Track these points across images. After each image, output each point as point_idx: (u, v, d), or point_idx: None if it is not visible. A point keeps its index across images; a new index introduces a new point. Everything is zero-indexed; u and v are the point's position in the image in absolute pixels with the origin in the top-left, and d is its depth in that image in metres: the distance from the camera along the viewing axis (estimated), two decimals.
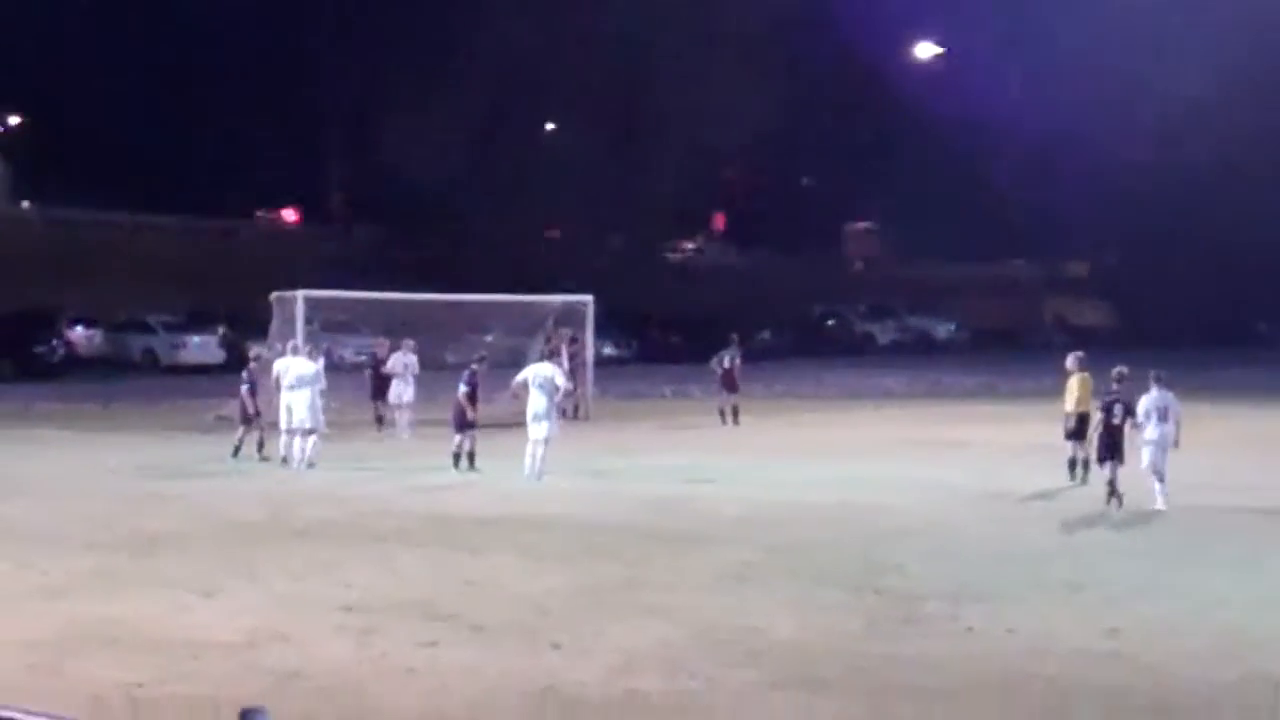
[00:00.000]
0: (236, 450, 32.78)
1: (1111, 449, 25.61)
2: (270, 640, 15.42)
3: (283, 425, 32.17)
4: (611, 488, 28.14)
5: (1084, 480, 27.92)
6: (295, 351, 33.72)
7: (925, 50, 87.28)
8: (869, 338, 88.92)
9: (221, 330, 67.16)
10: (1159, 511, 24.79)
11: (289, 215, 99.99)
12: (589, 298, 45.40)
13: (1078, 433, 28.42)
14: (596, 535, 22.40)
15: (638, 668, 14.36)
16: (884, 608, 17.26)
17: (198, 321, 68.87)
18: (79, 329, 68.16)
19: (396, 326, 41.82)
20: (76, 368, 62.27)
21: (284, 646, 15.19)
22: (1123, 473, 25.54)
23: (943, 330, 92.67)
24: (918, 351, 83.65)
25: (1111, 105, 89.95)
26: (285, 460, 31.84)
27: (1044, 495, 27.32)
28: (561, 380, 30.71)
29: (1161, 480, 25.14)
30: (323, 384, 32.91)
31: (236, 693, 12.80)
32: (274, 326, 43.58)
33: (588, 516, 24.34)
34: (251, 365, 34.04)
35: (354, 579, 18.72)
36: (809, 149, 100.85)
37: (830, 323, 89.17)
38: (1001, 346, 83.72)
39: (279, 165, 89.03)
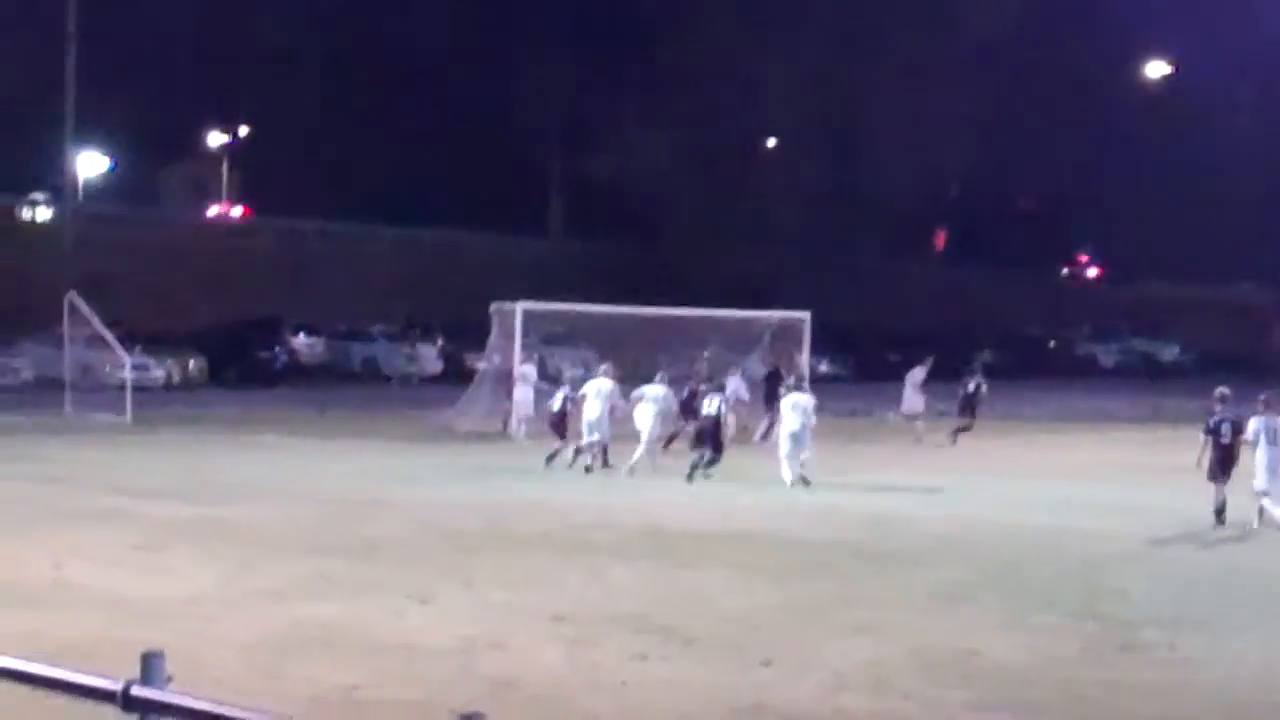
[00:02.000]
0: (551, 458, 34.05)
1: (1223, 468, 25.63)
2: (484, 648, 15.53)
3: (585, 438, 33.75)
4: (827, 505, 28.02)
5: None
6: (605, 373, 34.80)
7: (1156, 69, 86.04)
8: (1091, 359, 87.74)
9: (440, 341, 67.96)
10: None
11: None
12: (806, 314, 45.14)
13: None
14: (811, 552, 22.32)
15: (848, 686, 14.27)
16: (1101, 633, 16.99)
17: (418, 331, 69.75)
18: (301, 337, 69.31)
19: (611, 340, 42.12)
20: (298, 375, 63.31)
21: (498, 654, 15.29)
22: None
23: (1167, 353, 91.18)
24: (1142, 374, 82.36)
25: None
26: (588, 469, 33.37)
27: (1270, 523, 26.72)
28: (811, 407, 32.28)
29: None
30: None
31: (451, 698, 12.92)
32: (492, 338, 44.10)
33: (802, 533, 24.26)
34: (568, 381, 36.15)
35: (567, 590, 18.81)
36: (1029, 168, 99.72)
37: (1052, 344, 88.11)
38: (1228, 371, 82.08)
39: (498, 179, 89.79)
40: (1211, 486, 25.98)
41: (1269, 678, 15.16)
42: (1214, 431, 25.95)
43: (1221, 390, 26.54)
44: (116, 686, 6.23)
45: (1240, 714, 13.92)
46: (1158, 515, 26.98)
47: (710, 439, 32.40)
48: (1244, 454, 26.16)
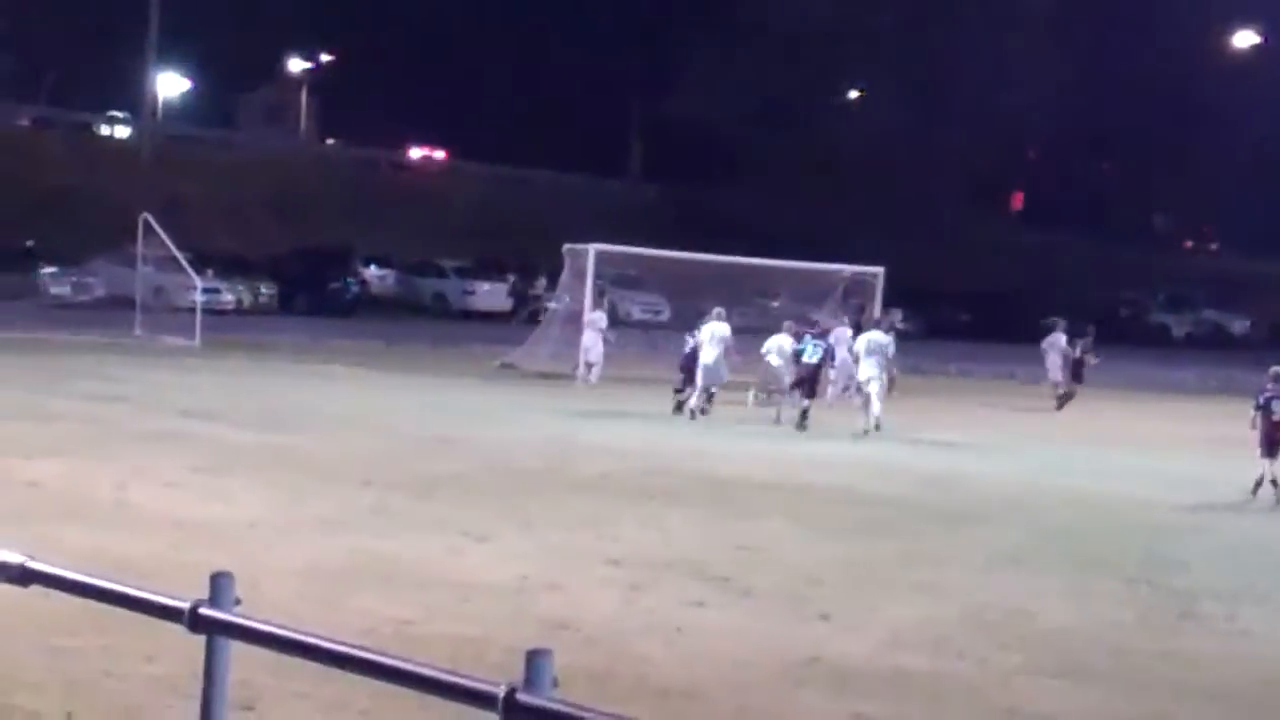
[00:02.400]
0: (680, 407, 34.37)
1: (1272, 445, 25.68)
2: (540, 589, 15.54)
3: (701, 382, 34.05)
4: (890, 461, 27.93)
5: None
6: (719, 317, 34.89)
7: (1245, 39, 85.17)
8: (1164, 329, 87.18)
9: (512, 279, 68.04)
10: None
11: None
12: (879, 269, 44.88)
13: None
14: (872, 508, 22.24)
15: (905, 644, 14.22)
16: (1159, 602, 16.88)
17: (488, 268, 69.83)
18: (372, 268, 69.52)
19: (683, 285, 42.05)
20: (368, 307, 63.52)
21: (553, 595, 15.30)
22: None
23: (1239, 325, 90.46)
24: (1213, 345, 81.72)
25: None
26: (694, 413, 33.63)
27: None
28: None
29: None
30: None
31: (505, 637, 12.93)
32: (564, 278, 44.10)
33: (865, 489, 24.18)
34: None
35: (624, 534, 18.80)
36: (1113, 133, 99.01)
37: (1124, 312, 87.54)
38: None
39: (572, 119, 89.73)
40: (1262, 461, 25.89)
41: None
42: (1264, 408, 26.03)
43: (1276, 369, 26.48)
44: (185, 605, 6.24)
45: None
46: (1222, 488, 26.77)
47: (807, 387, 33.10)
48: None
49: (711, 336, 34.21)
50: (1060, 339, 42.47)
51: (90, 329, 43.78)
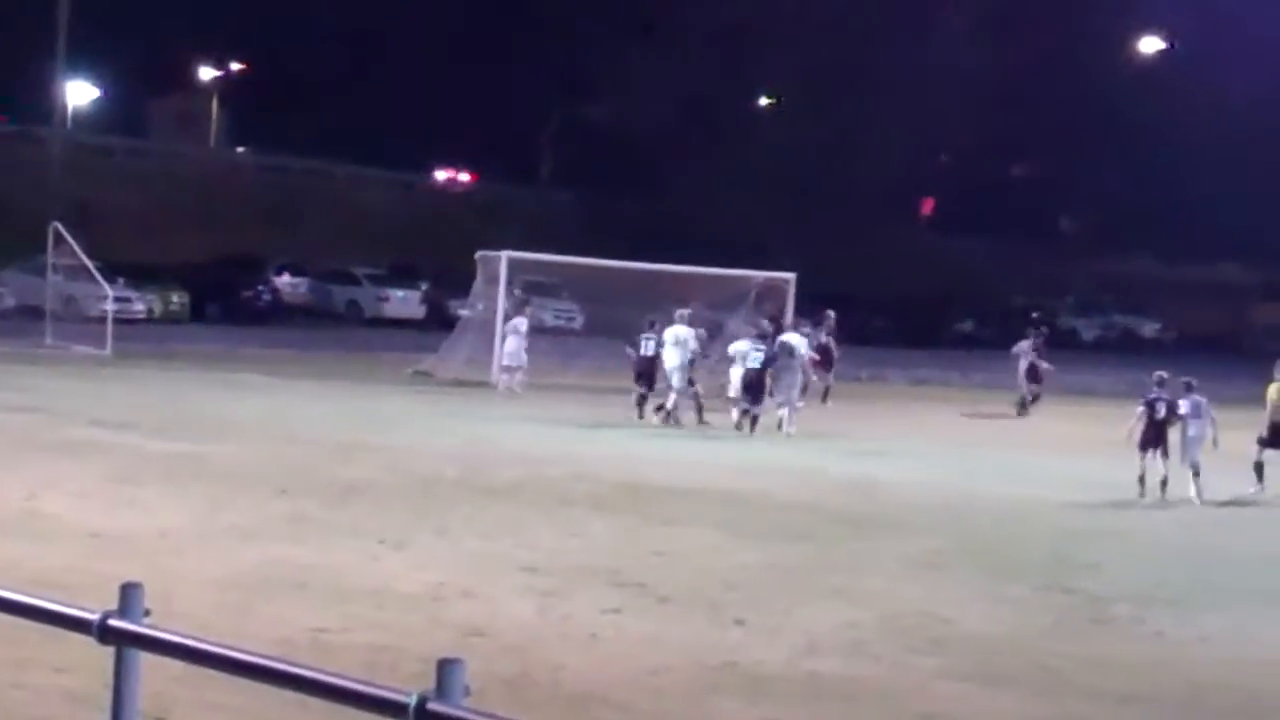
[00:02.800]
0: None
1: (1155, 443, 26.94)
2: (455, 596, 15.51)
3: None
4: (808, 467, 27.97)
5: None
6: (681, 319, 35.35)
7: (1150, 45, 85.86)
8: (1073, 333, 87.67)
9: (424, 286, 67.82)
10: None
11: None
12: (791, 275, 44.98)
13: (1271, 440, 28.42)
14: (790, 514, 22.28)
15: (820, 649, 14.26)
16: (1072, 606, 17.00)
17: (401, 276, 69.59)
18: (286, 276, 69.11)
19: (597, 292, 42.00)
20: (281, 315, 63.18)
21: (468, 603, 15.27)
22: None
23: (1149, 329, 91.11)
24: (1122, 349, 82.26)
25: None
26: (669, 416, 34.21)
27: (1243, 502, 26.83)
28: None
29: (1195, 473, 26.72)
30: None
31: (420, 645, 12.89)
32: (476, 285, 44.01)
33: (783, 495, 24.21)
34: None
35: (541, 541, 18.77)
36: (1021, 140, 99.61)
37: (1035, 314, 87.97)
38: (1209, 350, 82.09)
39: (488, 124, 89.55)
40: (1140, 456, 26.86)
41: (1239, 656, 15.17)
42: (1149, 407, 27.32)
43: (1160, 374, 28.05)
44: (94, 617, 6.18)
45: (1209, 691, 13.92)
46: (1133, 490, 26.97)
47: (754, 392, 33.72)
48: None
49: (675, 339, 34.56)
50: (1026, 345, 42.80)
51: (0, 339, 43.37)
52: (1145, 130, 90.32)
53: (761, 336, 35.11)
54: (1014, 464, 30.58)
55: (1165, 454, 26.83)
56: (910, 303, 76.69)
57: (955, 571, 18.60)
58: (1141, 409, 27.44)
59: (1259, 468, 28.19)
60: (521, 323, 40.42)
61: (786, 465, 28.13)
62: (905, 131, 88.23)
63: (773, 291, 44.99)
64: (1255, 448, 28.40)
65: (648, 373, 34.80)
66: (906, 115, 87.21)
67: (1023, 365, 42.29)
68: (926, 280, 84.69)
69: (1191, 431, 27.19)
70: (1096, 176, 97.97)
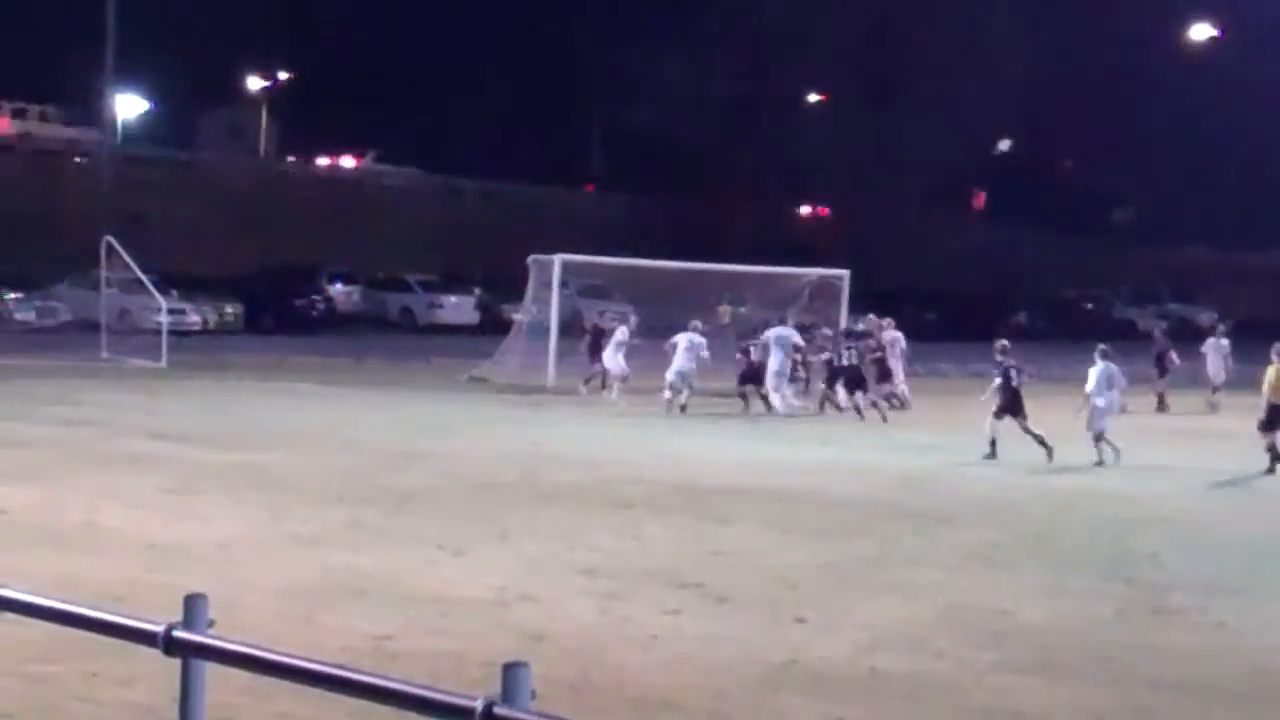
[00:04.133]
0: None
1: (1011, 410, 29.13)
2: (517, 600, 15.54)
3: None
4: (861, 462, 27.95)
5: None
6: (694, 327, 37.09)
7: (1201, 32, 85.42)
8: (1129, 324, 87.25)
9: (477, 291, 67.96)
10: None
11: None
12: (845, 272, 44.87)
13: (1268, 423, 28.61)
14: (845, 510, 22.26)
15: (881, 645, 14.24)
16: (1133, 597, 16.93)
17: (454, 282, 69.74)
18: (339, 285, 69.34)
19: (650, 293, 42.05)
20: (334, 323, 63.36)
21: (530, 607, 15.29)
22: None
23: (1205, 317, 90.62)
24: (1179, 338, 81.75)
25: None
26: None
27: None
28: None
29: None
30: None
31: (483, 650, 12.92)
32: (530, 289, 44.03)
33: (837, 491, 24.20)
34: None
35: (600, 544, 18.79)
36: (1073, 131, 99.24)
37: (1089, 306, 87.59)
38: (1267, 337, 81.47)
39: (539, 130, 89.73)
40: (994, 423, 28.92)
41: None
42: (1005, 376, 29.38)
43: (1002, 342, 30.63)
44: (159, 629, 6.22)
45: (1273, 680, 13.85)
46: (1190, 478, 26.88)
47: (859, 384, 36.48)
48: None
49: (689, 343, 36.06)
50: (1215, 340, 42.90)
51: (57, 354, 43.56)
52: (1196, 118, 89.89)
53: (851, 335, 38.28)
54: (1067, 455, 30.42)
55: (1024, 414, 28.91)
56: (962, 296, 76.47)
57: (1013, 564, 18.56)
58: (998, 379, 29.35)
59: (1272, 449, 28.13)
60: (622, 332, 39.81)
61: (838, 461, 28.11)
62: (955, 125, 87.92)
63: (826, 289, 44.88)
64: (1263, 437, 28.45)
65: (753, 375, 36.90)
66: (955, 108, 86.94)
67: (1218, 361, 42.36)
68: (978, 274, 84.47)
69: (1100, 402, 28.79)
70: (1148, 166, 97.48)
